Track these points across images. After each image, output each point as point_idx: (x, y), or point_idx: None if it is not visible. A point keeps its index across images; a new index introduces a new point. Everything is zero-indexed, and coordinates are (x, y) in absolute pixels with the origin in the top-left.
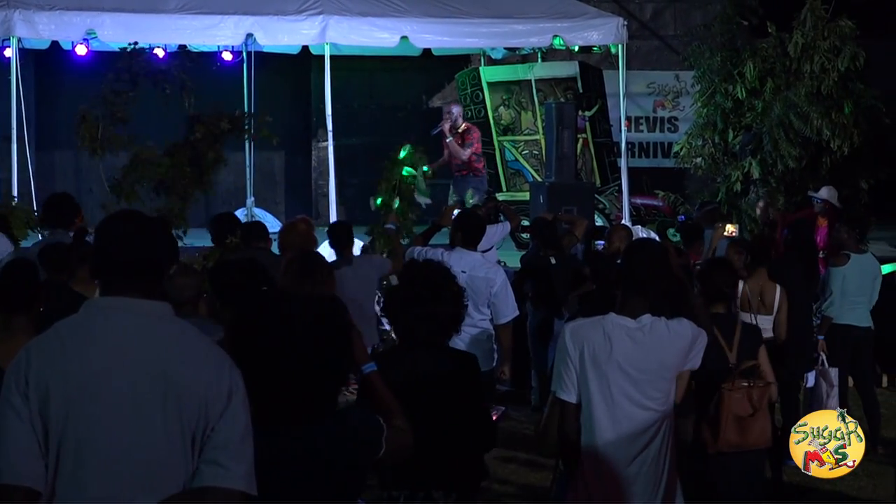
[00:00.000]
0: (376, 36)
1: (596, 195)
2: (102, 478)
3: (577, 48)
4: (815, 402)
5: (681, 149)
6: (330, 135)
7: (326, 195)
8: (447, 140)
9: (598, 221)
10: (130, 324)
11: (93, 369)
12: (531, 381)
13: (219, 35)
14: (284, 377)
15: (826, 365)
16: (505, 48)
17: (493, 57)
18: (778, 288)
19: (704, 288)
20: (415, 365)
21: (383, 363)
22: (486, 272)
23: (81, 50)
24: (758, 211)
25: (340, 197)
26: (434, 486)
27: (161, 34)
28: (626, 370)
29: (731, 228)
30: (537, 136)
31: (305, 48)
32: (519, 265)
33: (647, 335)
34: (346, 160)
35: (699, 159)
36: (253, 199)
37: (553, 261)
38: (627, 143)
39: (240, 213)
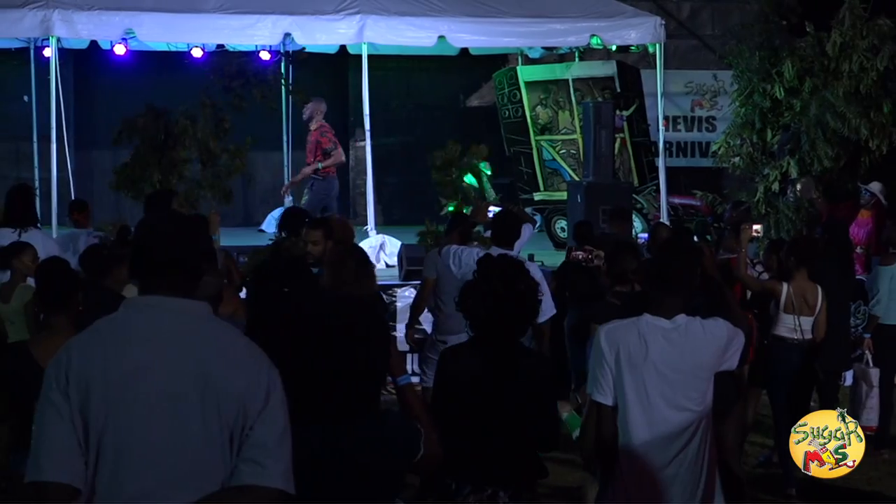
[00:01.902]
0: (414, 35)
1: (634, 195)
2: (141, 476)
3: (614, 48)
4: (854, 402)
5: (719, 148)
6: (368, 134)
7: (364, 194)
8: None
9: (636, 222)
10: (169, 323)
11: (132, 368)
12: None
13: (257, 35)
14: (321, 377)
15: (871, 364)
16: (543, 48)
17: (530, 56)
18: (819, 288)
19: (610, 269)
20: (487, 360)
21: (455, 357)
22: None
23: (120, 49)
24: (798, 186)
25: (378, 196)
26: (497, 482)
27: (199, 34)
28: (662, 371)
29: (757, 228)
30: (575, 136)
31: (343, 48)
32: (557, 265)
33: (683, 335)
34: (384, 160)
35: (737, 159)
36: (291, 197)
37: None
38: (665, 142)
39: (277, 213)
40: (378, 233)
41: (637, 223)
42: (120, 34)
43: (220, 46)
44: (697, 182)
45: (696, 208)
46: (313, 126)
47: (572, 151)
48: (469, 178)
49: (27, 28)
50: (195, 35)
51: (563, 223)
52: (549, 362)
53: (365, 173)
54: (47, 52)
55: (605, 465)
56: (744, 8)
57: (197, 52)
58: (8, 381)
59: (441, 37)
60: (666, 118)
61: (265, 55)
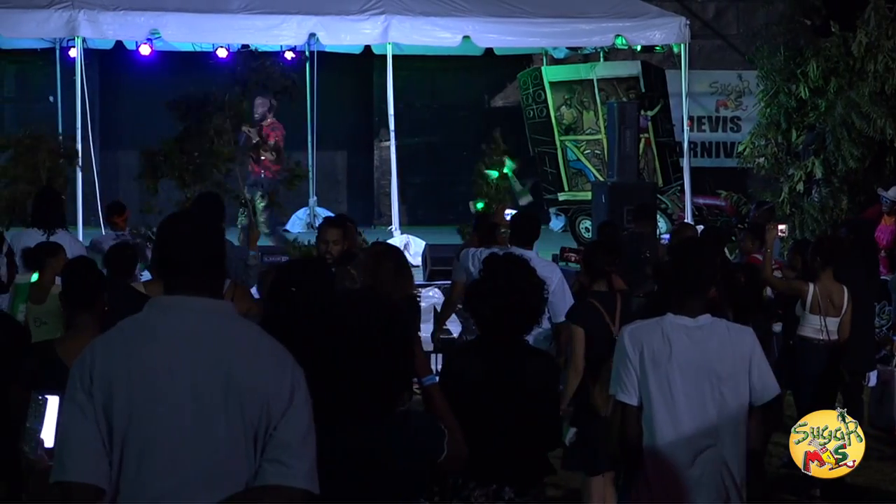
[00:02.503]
0: (438, 35)
1: (658, 195)
2: (164, 476)
3: (639, 48)
4: (885, 401)
5: (744, 149)
6: (392, 134)
7: (388, 194)
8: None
9: (661, 222)
10: (193, 322)
11: (156, 368)
12: None
13: (282, 35)
14: (345, 377)
15: None
16: (567, 48)
17: (555, 56)
18: (844, 289)
19: (587, 267)
20: (493, 359)
21: (461, 356)
22: (542, 271)
23: (145, 50)
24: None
25: (402, 196)
26: (502, 479)
27: (224, 34)
28: (685, 370)
29: (781, 228)
30: (599, 136)
31: (368, 48)
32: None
33: (707, 335)
34: (408, 159)
35: (762, 159)
36: (315, 198)
37: None
38: (690, 142)
39: (302, 213)
40: (402, 233)
41: (661, 223)
42: (145, 34)
43: (245, 47)
44: (722, 182)
45: (720, 209)
46: (266, 123)
47: (597, 151)
48: (493, 174)
49: (53, 29)
50: (220, 35)
51: (587, 223)
52: (553, 361)
53: (389, 173)
54: (73, 53)
55: (630, 465)
56: (769, 8)
57: (222, 53)
58: (34, 380)
59: (466, 37)
60: (690, 118)
61: (290, 55)
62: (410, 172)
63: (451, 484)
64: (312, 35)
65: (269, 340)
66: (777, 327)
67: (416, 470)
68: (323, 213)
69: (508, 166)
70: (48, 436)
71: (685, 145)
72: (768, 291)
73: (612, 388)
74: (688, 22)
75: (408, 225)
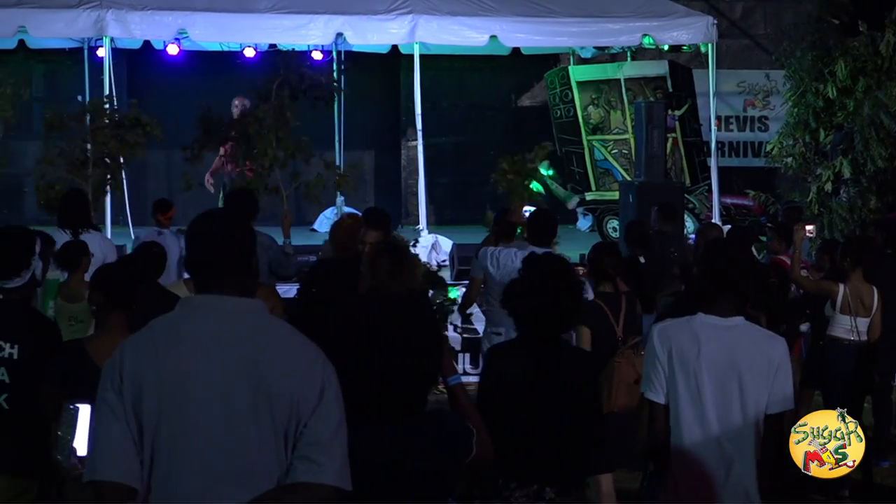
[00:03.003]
0: (466, 35)
1: (686, 194)
2: (194, 475)
3: (666, 47)
4: None
5: (772, 148)
6: (419, 134)
7: (416, 194)
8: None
9: (688, 221)
10: (223, 321)
11: (185, 367)
12: None
13: (309, 34)
14: (376, 376)
15: None
16: (594, 47)
17: (582, 56)
18: (874, 289)
19: (593, 269)
20: (533, 359)
21: (501, 356)
22: None
23: (173, 49)
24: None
25: (430, 196)
26: (543, 478)
27: (252, 34)
28: (712, 370)
29: (809, 228)
30: (627, 136)
31: (395, 47)
32: None
33: (737, 336)
34: (435, 159)
35: (790, 159)
36: (343, 198)
37: (642, 260)
38: (717, 142)
39: (330, 212)
40: (430, 232)
41: (689, 223)
42: (173, 34)
43: (273, 46)
44: (750, 182)
45: (748, 208)
46: None
47: (624, 151)
48: (535, 186)
49: (81, 28)
50: (248, 35)
51: (614, 223)
52: (593, 359)
53: (417, 173)
54: (101, 52)
55: (657, 464)
56: (796, 7)
57: (249, 52)
58: (64, 379)
59: (493, 36)
60: (718, 118)
61: (317, 55)
62: (438, 172)
63: (491, 485)
64: (339, 35)
65: (300, 338)
66: (805, 327)
67: (444, 469)
68: (350, 212)
69: (546, 172)
70: (81, 444)
71: (713, 145)
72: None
73: (643, 387)
74: (715, 21)
75: (435, 224)
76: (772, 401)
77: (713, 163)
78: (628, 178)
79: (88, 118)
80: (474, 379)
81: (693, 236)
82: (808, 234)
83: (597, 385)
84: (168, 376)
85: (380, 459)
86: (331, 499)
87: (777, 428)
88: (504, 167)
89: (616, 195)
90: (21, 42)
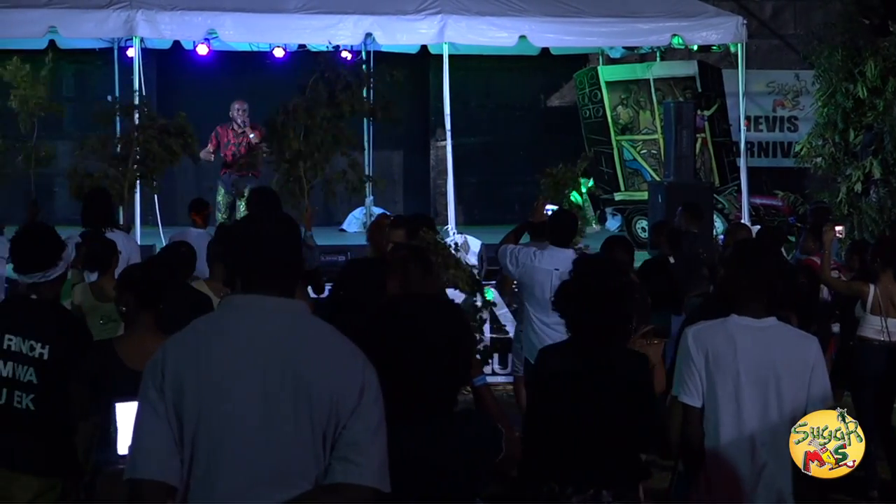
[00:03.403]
0: (495, 35)
1: (715, 195)
2: (233, 475)
3: (696, 47)
4: None
5: (801, 149)
6: (448, 134)
7: (445, 194)
8: (249, 135)
9: (717, 222)
10: (265, 322)
11: (225, 367)
12: None
13: (338, 34)
14: (409, 377)
15: None
16: (624, 47)
17: (611, 56)
18: None
19: None
20: (585, 361)
21: (553, 357)
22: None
23: (203, 49)
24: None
25: (458, 196)
26: (599, 482)
27: (281, 34)
28: (749, 371)
29: (839, 229)
30: (656, 136)
31: (424, 47)
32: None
33: (772, 337)
34: (464, 159)
35: (819, 159)
36: (372, 198)
37: (671, 260)
38: (747, 142)
39: (359, 213)
40: (459, 232)
41: (718, 223)
42: (202, 34)
43: (302, 46)
44: (779, 182)
45: (777, 209)
46: (251, 124)
47: (653, 151)
48: (575, 196)
49: (111, 29)
50: (277, 35)
51: (643, 223)
52: (646, 360)
53: (445, 173)
54: (131, 53)
55: (691, 466)
56: (826, 7)
57: (279, 53)
58: (93, 378)
59: (522, 36)
60: (747, 118)
61: (347, 55)
62: (466, 172)
63: (547, 490)
64: (369, 35)
65: (341, 339)
66: (834, 328)
67: (473, 469)
68: (379, 212)
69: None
70: (121, 442)
71: (742, 145)
72: (824, 293)
73: (675, 389)
74: (745, 21)
75: (464, 224)
76: (812, 400)
77: (742, 163)
78: (657, 179)
79: (137, 115)
80: (502, 379)
81: (722, 237)
82: (837, 235)
83: (651, 386)
84: (209, 376)
85: (409, 459)
86: (369, 500)
87: None
88: (551, 173)
89: (645, 195)
90: (52, 42)
